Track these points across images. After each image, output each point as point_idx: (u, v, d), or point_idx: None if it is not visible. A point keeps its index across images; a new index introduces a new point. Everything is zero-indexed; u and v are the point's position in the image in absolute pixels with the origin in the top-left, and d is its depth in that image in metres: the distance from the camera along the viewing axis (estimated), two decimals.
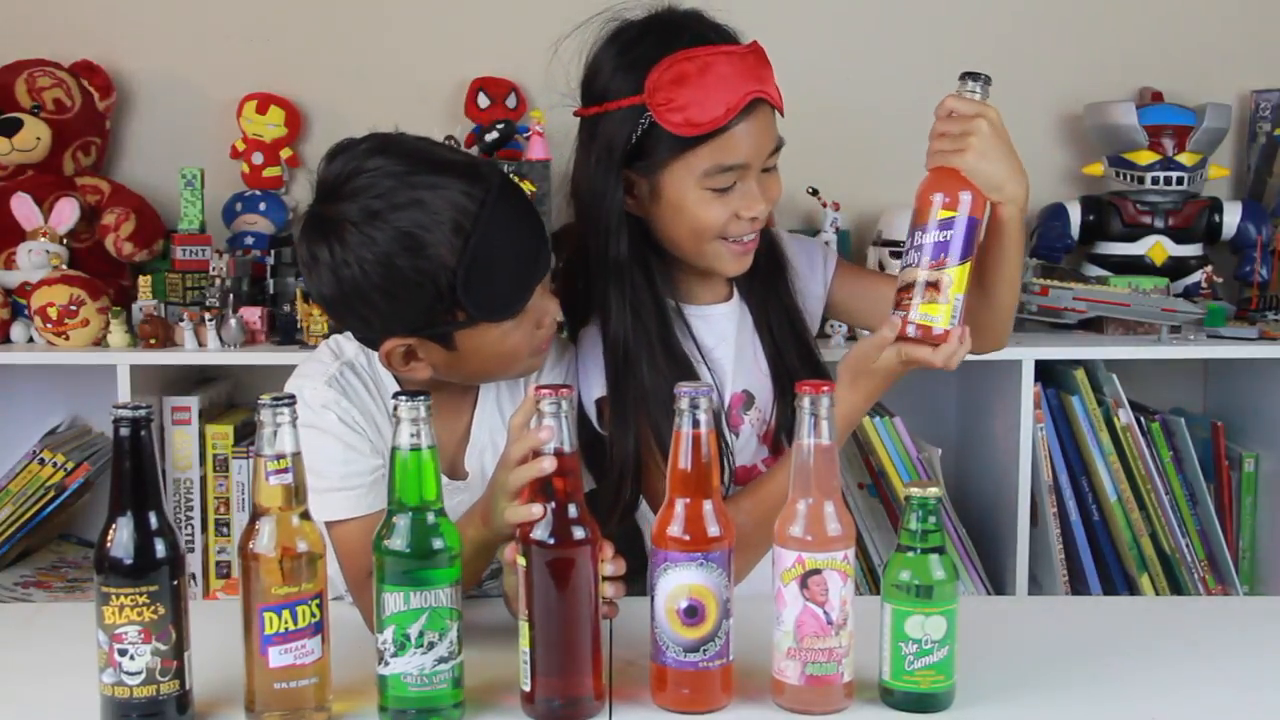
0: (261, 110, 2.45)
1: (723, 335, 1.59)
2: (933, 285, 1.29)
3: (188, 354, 2.19)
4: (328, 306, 1.41)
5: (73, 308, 2.16)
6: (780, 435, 1.59)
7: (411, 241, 1.30)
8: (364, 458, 1.41)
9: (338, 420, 1.41)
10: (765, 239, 1.58)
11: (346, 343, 1.50)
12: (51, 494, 2.24)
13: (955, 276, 1.29)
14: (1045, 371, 2.16)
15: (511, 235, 1.35)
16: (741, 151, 1.43)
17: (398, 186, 1.31)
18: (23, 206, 2.26)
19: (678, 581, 1.15)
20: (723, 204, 1.45)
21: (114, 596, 1.09)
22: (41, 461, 2.25)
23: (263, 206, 2.47)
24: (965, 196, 1.30)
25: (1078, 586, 2.20)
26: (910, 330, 1.30)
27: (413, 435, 1.12)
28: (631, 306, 1.49)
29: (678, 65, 1.40)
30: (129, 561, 1.09)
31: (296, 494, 1.12)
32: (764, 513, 1.34)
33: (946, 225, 1.29)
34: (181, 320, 2.19)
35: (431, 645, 1.12)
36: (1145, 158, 2.31)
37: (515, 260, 1.36)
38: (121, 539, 1.10)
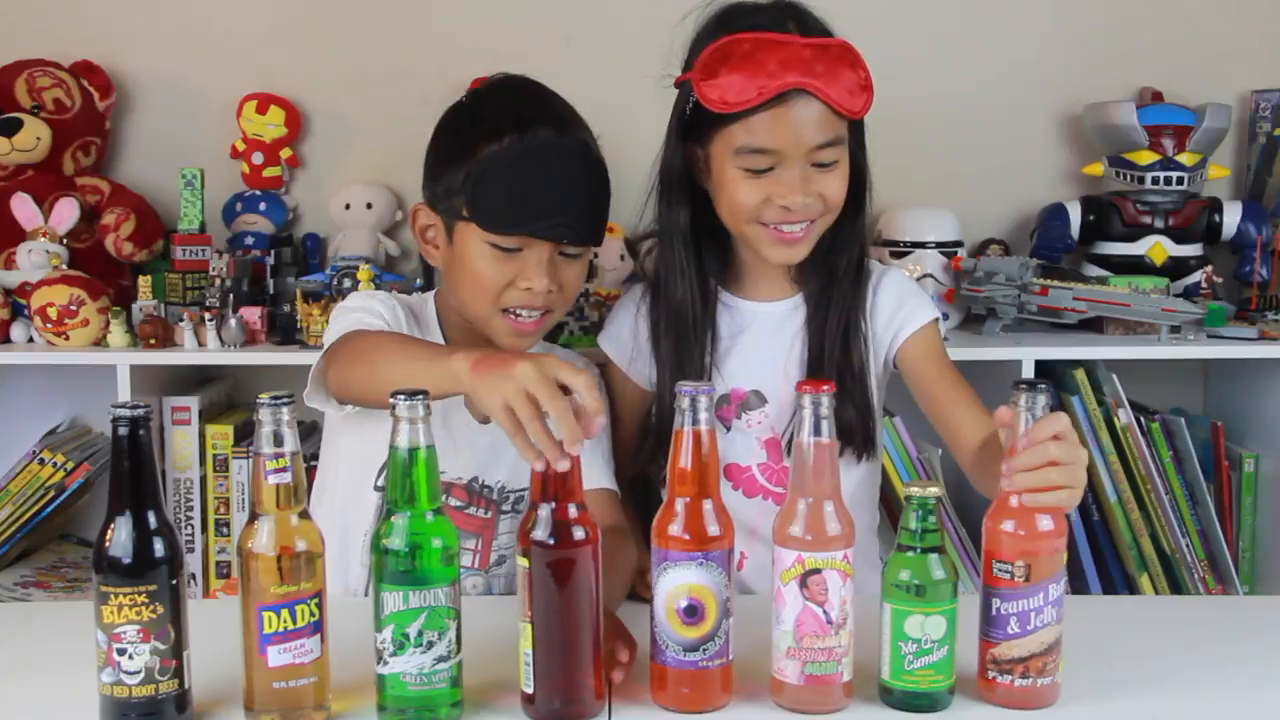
0: (261, 110, 2.44)
1: (738, 330, 1.60)
2: (1059, 641, 1.18)
3: (188, 354, 2.18)
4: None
5: (73, 308, 2.16)
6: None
7: (476, 115, 1.53)
8: (388, 324, 1.53)
9: (385, 297, 1.58)
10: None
11: (403, 295, 1.69)
12: (51, 494, 2.24)
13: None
14: (1045, 371, 2.16)
15: (542, 180, 1.47)
16: (770, 136, 1.47)
17: (517, 89, 1.56)
18: (23, 206, 2.26)
19: (678, 581, 1.15)
20: (758, 186, 1.50)
21: (113, 596, 1.09)
22: (41, 461, 2.24)
23: (263, 206, 2.46)
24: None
25: (1078, 586, 2.19)
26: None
27: (411, 435, 1.12)
28: (680, 273, 1.59)
29: (727, 45, 1.47)
30: (127, 561, 1.09)
31: (295, 493, 1.12)
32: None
33: (1063, 574, 1.18)
34: (181, 320, 2.19)
35: (430, 644, 1.12)
36: (1145, 158, 2.30)
37: (529, 198, 1.46)
38: (120, 538, 1.10)
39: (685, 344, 1.59)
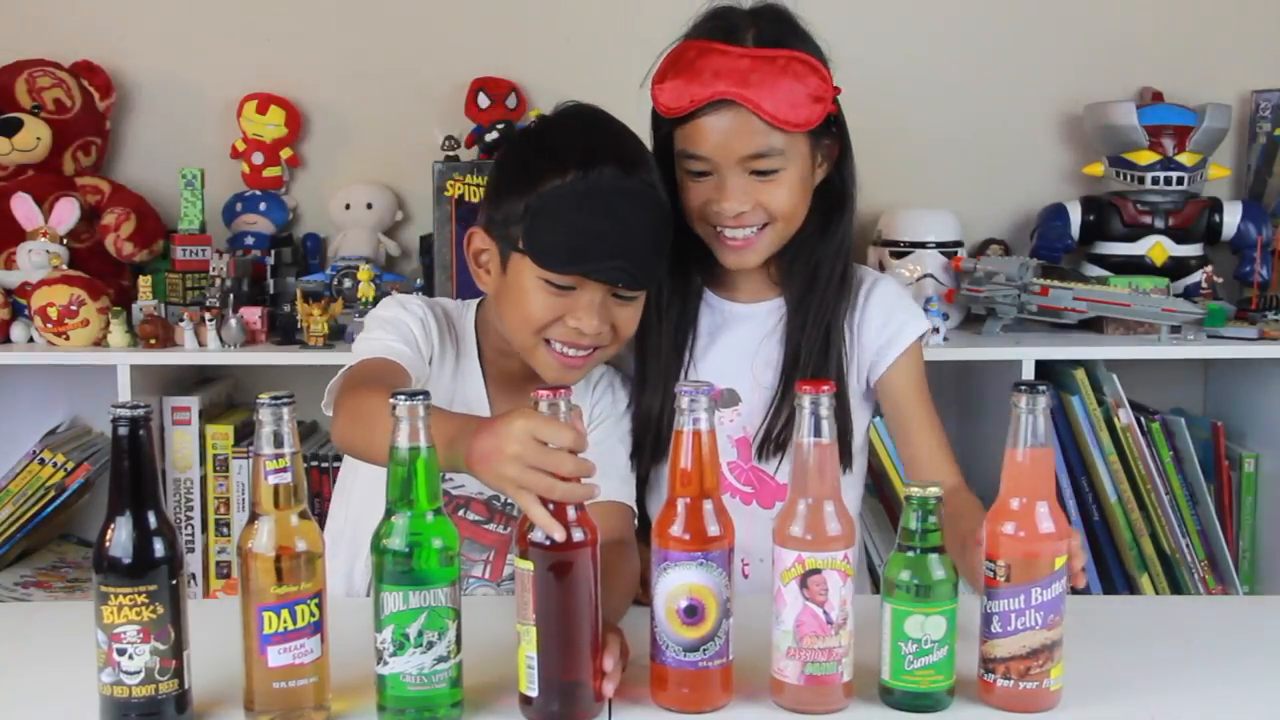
0: (261, 110, 2.45)
1: (717, 329, 1.60)
2: (1059, 644, 1.16)
3: (188, 354, 2.19)
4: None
5: (73, 308, 2.16)
6: (766, 446, 1.58)
7: (542, 146, 1.47)
8: (417, 339, 1.50)
9: (418, 308, 1.54)
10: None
11: (443, 299, 1.66)
12: (51, 494, 2.24)
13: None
14: (1045, 371, 2.16)
15: (602, 220, 1.41)
16: (701, 144, 1.49)
17: (587, 122, 1.48)
18: (23, 206, 2.26)
19: (678, 581, 1.15)
20: (699, 189, 1.52)
21: (113, 596, 1.09)
22: (41, 461, 2.25)
23: (263, 206, 2.47)
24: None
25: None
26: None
27: (412, 435, 1.12)
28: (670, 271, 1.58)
29: (678, 51, 1.50)
30: (127, 561, 1.09)
31: (295, 493, 1.12)
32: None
33: (1061, 574, 1.17)
34: (181, 320, 2.19)
35: (430, 645, 1.11)
36: (1145, 158, 2.31)
37: (587, 238, 1.41)
38: (120, 538, 1.09)
39: (657, 335, 1.58)
